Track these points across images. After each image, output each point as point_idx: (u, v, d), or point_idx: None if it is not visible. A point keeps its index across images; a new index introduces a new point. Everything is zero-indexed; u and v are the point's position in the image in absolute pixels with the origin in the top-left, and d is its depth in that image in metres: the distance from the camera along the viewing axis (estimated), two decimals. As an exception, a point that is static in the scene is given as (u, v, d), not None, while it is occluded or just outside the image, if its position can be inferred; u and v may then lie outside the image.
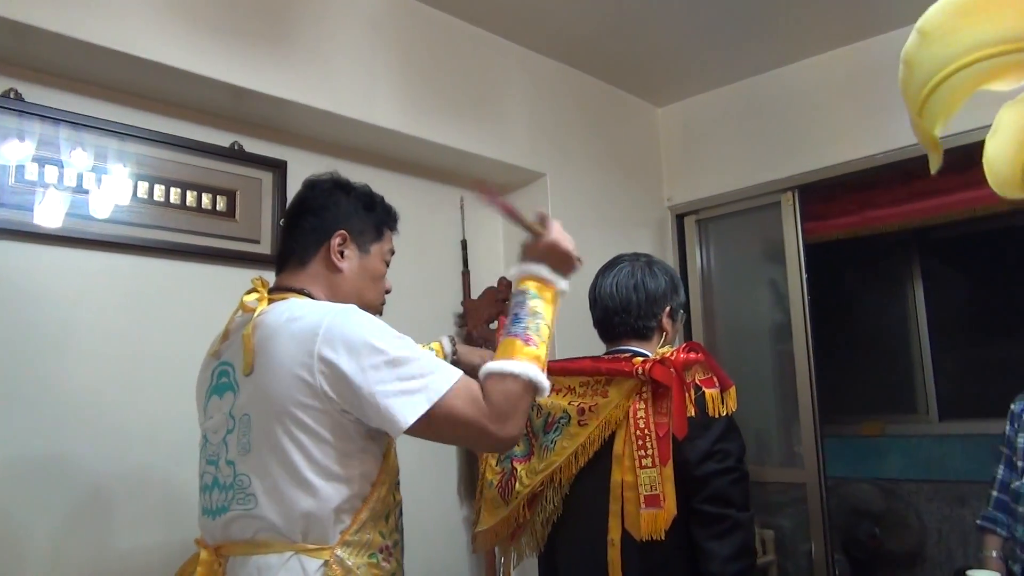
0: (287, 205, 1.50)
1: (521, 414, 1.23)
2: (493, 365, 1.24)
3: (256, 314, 1.28)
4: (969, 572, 1.86)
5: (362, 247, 1.41)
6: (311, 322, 1.20)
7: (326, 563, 1.18)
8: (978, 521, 2.31)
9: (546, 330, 1.31)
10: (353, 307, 1.25)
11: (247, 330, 1.26)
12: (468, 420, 1.18)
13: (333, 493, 1.19)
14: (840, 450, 3.53)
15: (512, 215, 1.39)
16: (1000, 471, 2.29)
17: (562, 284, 1.37)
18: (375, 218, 1.45)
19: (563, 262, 1.38)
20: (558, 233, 1.39)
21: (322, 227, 1.39)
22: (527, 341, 1.26)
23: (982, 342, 3.91)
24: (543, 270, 1.36)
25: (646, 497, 1.42)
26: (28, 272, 1.82)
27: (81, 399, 1.86)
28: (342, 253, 1.38)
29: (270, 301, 1.32)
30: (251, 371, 1.24)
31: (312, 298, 1.33)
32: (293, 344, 1.20)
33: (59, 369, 1.84)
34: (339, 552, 1.19)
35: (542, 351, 1.27)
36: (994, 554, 2.21)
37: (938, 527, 3.79)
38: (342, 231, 1.38)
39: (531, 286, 1.34)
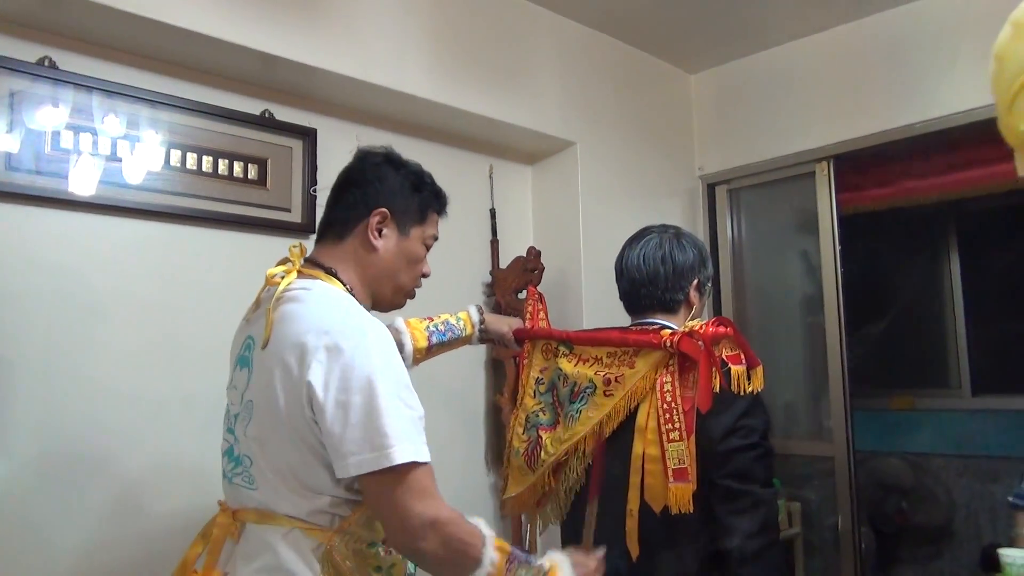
0: (337, 175, 1.48)
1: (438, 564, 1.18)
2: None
3: (282, 288, 1.27)
4: (1000, 551, 1.84)
5: (402, 228, 1.39)
6: (320, 322, 1.20)
7: (325, 546, 1.19)
8: (1010, 498, 2.28)
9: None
10: (363, 330, 1.20)
11: (271, 304, 1.26)
12: (404, 506, 1.14)
13: (327, 495, 1.20)
14: (869, 424, 3.50)
15: None
16: (1034, 449, 2.25)
17: None
18: (420, 200, 1.42)
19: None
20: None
21: (364, 202, 1.37)
22: None
23: (1018, 316, 3.82)
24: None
25: (675, 471, 1.41)
26: (64, 240, 1.85)
27: (115, 366, 1.90)
28: (380, 231, 1.36)
29: (300, 274, 1.32)
30: (264, 355, 1.24)
31: (340, 280, 1.32)
32: (291, 341, 1.20)
33: (94, 336, 1.87)
34: (336, 539, 1.21)
35: None
36: (1025, 532, 2.18)
37: (967, 503, 3.75)
38: (383, 209, 1.36)
39: None
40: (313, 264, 1.36)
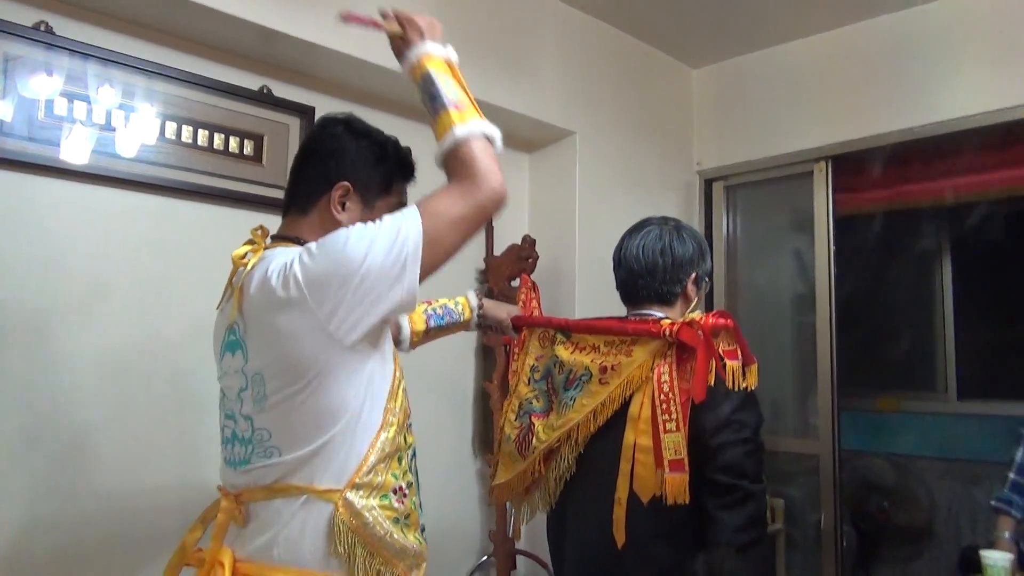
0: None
1: (494, 162, 1.23)
2: (444, 143, 1.23)
3: (248, 267, 1.25)
4: (982, 552, 1.86)
5: (366, 201, 1.34)
6: (284, 260, 1.19)
7: (335, 506, 1.19)
8: (992, 502, 2.30)
9: (464, 93, 1.28)
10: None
11: (238, 286, 1.25)
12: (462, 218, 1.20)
13: (340, 438, 1.20)
14: (854, 424, 3.51)
15: (366, 23, 1.35)
16: (1020, 454, 2.28)
17: (450, 52, 1.32)
18: (384, 170, 1.36)
19: (431, 31, 1.32)
20: (405, 16, 1.33)
21: (325, 175, 1.32)
22: (458, 107, 1.24)
23: (1007, 324, 3.85)
24: (428, 46, 1.30)
25: (671, 462, 1.41)
26: (56, 208, 1.83)
27: (104, 337, 1.88)
28: (343, 205, 1.32)
29: (267, 249, 1.29)
30: (247, 328, 1.23)
31: None
32: (269, 290, 1.18)
33: (84, 306, 1.85)
34: (349, 495, 1.19)
35: (473, 107, 1.27)
36: (1007, 535, 2.20)
37: (948, 505, 3.78)
38: (345, 183, 1.31)
39: (428, 65, 1.28)
40: (280, 239, 1.33)
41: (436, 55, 1.30)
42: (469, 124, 1.23)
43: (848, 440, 2.87)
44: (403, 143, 1.43)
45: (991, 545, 2.12)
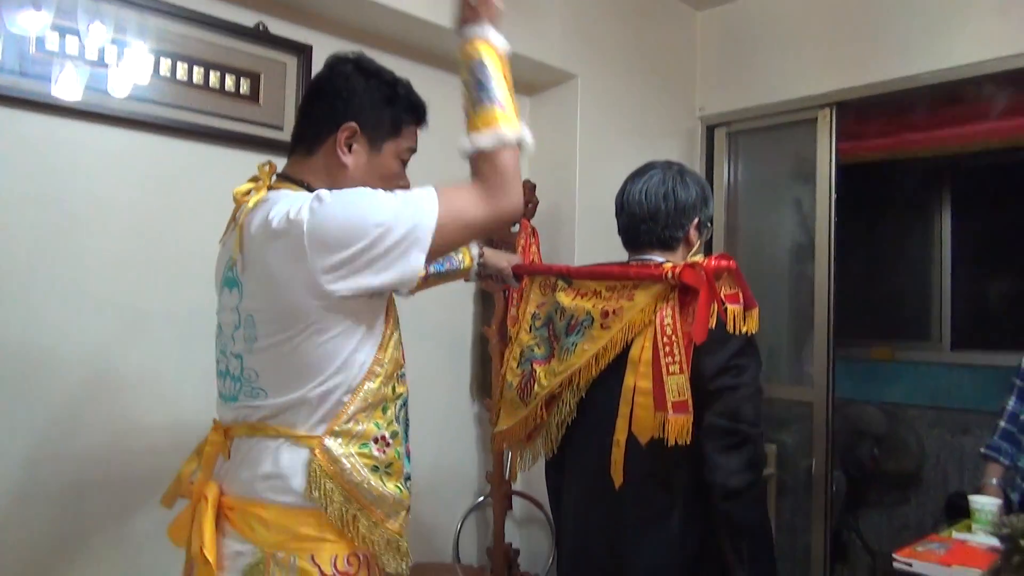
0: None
1: (519, 178, 1.26)
2: (484, 140, 1.23)
3: (250, 205, 1.24)
4: (971, 497, 1.90)
5: (373, 143, 1.31)
6: (289, 205, 1.18)
7: (311, 451, 1.20)
8: (982, 449, 2.34)
9: (509, 94, 1.29)
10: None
11: (240, 223, 1.24)
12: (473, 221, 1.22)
13: (324, 387, 1.20)
14: (848, 372, 3.54)
15: None
16: (1011, 403, 2.30)
17: (506, 45, 1.31)
18: (393, 111, 1.33)
19: (497, 17, 1.31)
20: None
21: (332, 116, 1.30)
22: (503, 107, 1.25)
23: (1003, 275, 3.86)
24: (491, 32, 1.29)
25: (675, 403, 1.41)
26: (49, 145, 1.80)
27: (97, 275, 1.87)
28: (349, 147, 1.30)
29: (271, 189, 1.28)
30: (245, 268, 1.23)
31: (310, 191, 1.26)
32: (270, 234, 1.18)
33: (77, 244, 1.84)
34: (327, 441, 1.20)
35: (515, 110, 1.28)
36: (994, 481, 2.25)
37: (936, 453, 3.85)
38: (352, 124, 1.29)
39: (484, 52, 1.27)
40: (284, 179, 1.32)
41: (496, 45, 1.29)
42: (513, 130, 1.25)
43: (841, 388, 2.90)
44: (402, 80, 1.39)
45: (978, 492, 2.17)
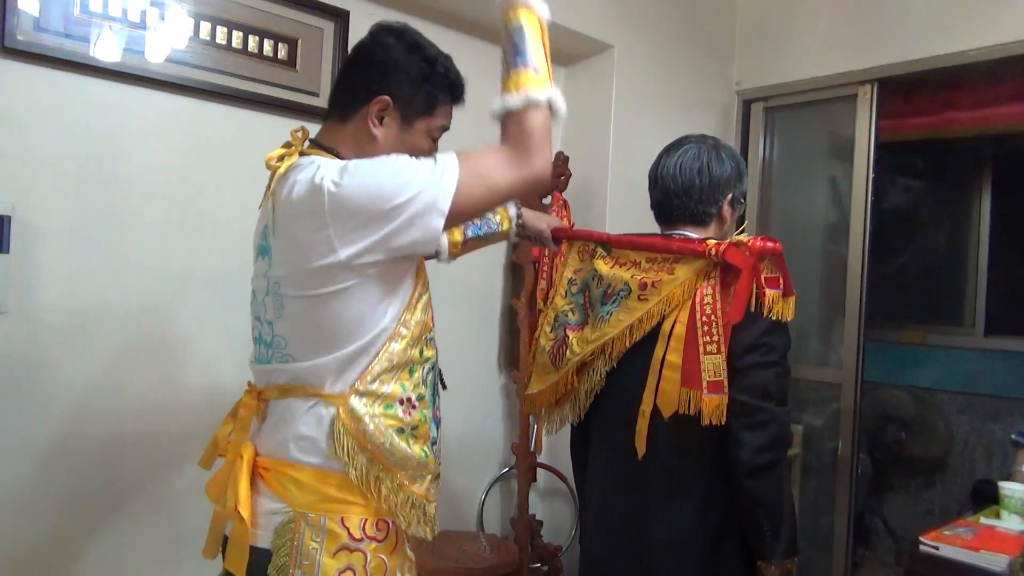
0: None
1: (549, 142, 1.24)
2: (513, 100, 1.22)
3: (281, 171, 1.25)
4: (1001, 484, 1.88)
5: (405, 119, 1.31)
6: (315, 172, 1.19)
7: (337, 410, 1.22)
8: (1013, 435, 2.30)
9: (546, 59, 1.28)
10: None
11: (272, 189, 1.25)
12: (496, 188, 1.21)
13: (351, 350, 1.22)
14: (878, 355, 3.51)
15: None
16: (1045, 389, 2.26)
17: (546, 11, 1.31)
18: (430, 89, 1.31)
19: None
20: None
21: (368, 85, 1.29)
22: (537, 71, 1.25)
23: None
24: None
25: (710, 383, 1.41)
26: (91, 107, 1.83)
27: (139, 239, 1.91)
28: (381, 120, 1.29)
29: (302, 155, 1.28)
30: (274, 233, 1.24)
31: (340, 159, 1.26)
32: (297, 200, 1.19)
33: (119, 207, 1.87)
34: (352, 400, 1.22)
35: (550, 75, 1.27)
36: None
37: (965, 439, 3.81)
38: (385, 97, 1.28)
39: (524, 17, 1.27)
40: (316, 145, 1.32)
41: (537, 10, 1.29)
42: (544, 91, 1.24)
43: (870, 370, 2.87)
44: (443, 55, 1.38)
45: (1007, 478, 2.14)
